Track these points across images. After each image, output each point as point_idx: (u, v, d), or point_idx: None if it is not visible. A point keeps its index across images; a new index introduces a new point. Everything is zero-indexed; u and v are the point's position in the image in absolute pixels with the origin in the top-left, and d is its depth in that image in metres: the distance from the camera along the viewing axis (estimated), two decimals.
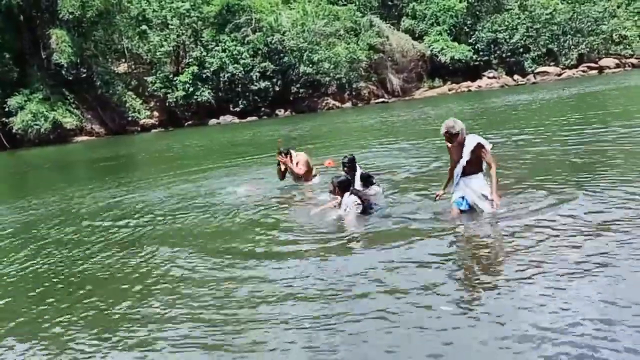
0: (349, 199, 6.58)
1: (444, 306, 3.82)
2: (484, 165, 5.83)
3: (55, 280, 5.50)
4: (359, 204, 6.52)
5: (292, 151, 9.38)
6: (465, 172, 5.79)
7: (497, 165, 5.74)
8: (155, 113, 42.75)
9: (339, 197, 6.69)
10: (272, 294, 4.37)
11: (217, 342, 3.67)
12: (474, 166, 5.77)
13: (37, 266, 6.07)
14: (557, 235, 5.01)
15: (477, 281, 4.30)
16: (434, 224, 5.86)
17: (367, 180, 7.61)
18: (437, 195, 6.28)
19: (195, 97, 41.88)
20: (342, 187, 6.68)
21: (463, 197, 5.84)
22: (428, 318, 3.67)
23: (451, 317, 3.66)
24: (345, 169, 7.57)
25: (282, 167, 9.28)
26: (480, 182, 5.81)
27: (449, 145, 5.87)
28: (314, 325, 3.73)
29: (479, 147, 5.67)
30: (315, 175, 9.43)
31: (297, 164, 9.20)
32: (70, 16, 36.81)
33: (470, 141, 5.71)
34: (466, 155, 5.71)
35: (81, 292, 5.06)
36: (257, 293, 4.42)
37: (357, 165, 7.69)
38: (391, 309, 3.84)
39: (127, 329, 4.07)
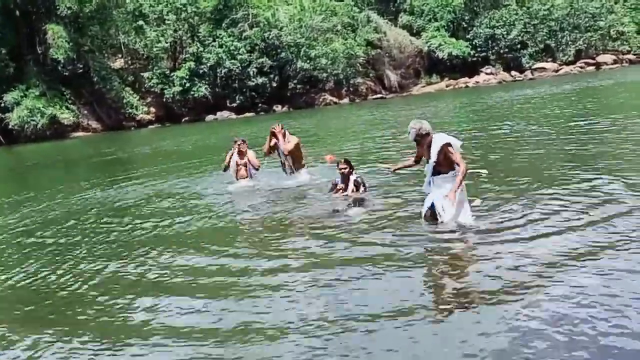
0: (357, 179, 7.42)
1: (443, 305, 3.81)
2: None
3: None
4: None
5: (287, 131, 9.44)
6: (436, 172, 5.65)
7: (465, 166, 5.47)
8: (152, 109, 42.65)
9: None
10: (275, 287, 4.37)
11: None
12: (445, 166, 5.58)
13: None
14: (557, 234, 5.00)
15: (477, 284, 4.28)
16: (429, 226, 5.80)
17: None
18: (390, 169, 6.62)
19: (192, 92, 41.83)
20: (350, 165, 7.52)
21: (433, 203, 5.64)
22: (427, 320, 3.67)
23: (452, 320, 3.65)
24: (345, 169, 7.54)
25: (272, 142, 9.30)
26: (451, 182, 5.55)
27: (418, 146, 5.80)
28: (313, 330, 3.72)
29: (446, 146, 5.49)
30: (304, 166, 9.42)
31: (288, 142, 9.22)
32: (68, 12, 36.63)
33: (437, 141, 5.53)
34: (434, 155, 5.55)
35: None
36: (266, 283, 4.43)
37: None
38: (387, 311, 3.83)
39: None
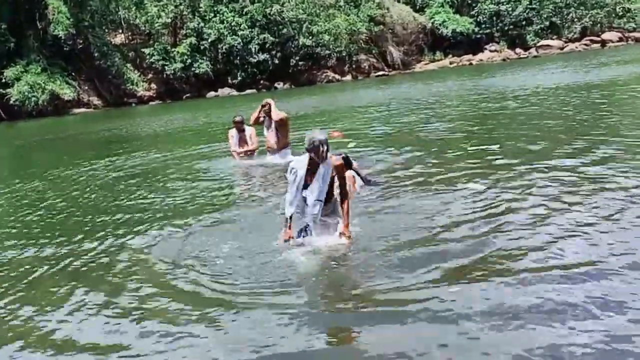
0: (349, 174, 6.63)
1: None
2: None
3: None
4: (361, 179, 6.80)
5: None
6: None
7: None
8: (153, 85, 42.28)
9: None
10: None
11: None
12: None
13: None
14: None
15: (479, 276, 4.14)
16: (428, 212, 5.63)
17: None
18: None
19: (193, 69, 41.43)
20: (346, 164, 6.71)
21: None
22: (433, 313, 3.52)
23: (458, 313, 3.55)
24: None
25: (260, 114, 9.31)
26: None
27: None
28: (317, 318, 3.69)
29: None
30: (288, 145, 9.33)
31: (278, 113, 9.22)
32: None
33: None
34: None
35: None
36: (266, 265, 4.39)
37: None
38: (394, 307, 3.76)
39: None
